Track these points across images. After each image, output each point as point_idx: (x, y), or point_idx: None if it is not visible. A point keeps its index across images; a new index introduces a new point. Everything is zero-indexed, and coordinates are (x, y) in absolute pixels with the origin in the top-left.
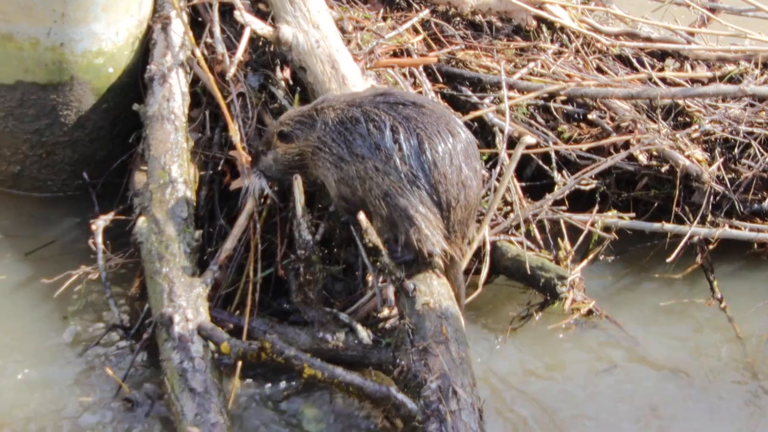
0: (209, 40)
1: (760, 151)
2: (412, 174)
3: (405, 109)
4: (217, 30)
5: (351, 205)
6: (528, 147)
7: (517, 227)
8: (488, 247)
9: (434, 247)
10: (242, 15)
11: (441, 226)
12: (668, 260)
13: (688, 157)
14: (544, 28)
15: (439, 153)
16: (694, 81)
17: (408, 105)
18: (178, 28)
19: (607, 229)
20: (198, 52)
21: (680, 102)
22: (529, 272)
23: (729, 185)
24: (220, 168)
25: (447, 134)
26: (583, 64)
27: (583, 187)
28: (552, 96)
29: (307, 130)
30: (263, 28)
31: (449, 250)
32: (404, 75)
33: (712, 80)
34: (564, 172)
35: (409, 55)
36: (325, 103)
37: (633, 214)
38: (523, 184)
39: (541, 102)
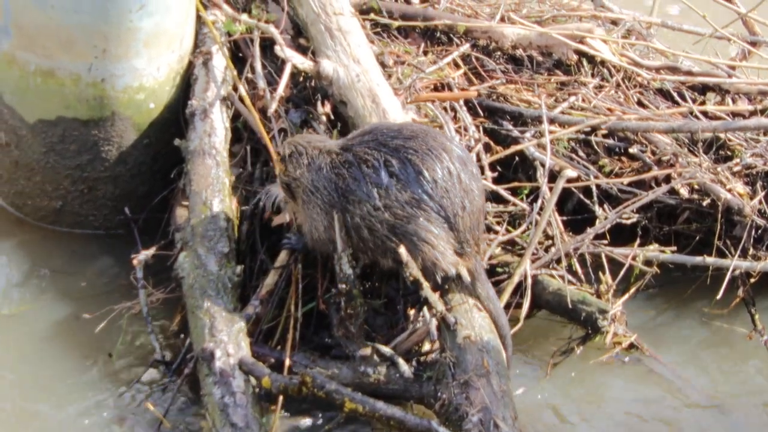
0: (250, 75)
1: None
2: (415, 199)
3: (392, 141)
4: (258, 65)
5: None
6: (569, 181)
7: (558, 261)
8: (529, 280)
9: (450, 267)
10: (283, 50)
11: (453, 241)
12: (717, 297)
13: (729, 190)
14: (584, 62)
15: (437, 171)
16: (735, 114)
17: (394, 136)
18: (220, 63)
19: (648, 262)
20: (241, 88)
21: (721, 135)
22: (570, 306)
23: None
24: (261, 203)
25: (438, 150)
26: (624, 98)
27: (624, 221)
28: (593, 130)
29: (302, 164)
30: (304, 63)
31: (466, 264)
32: (445, 109)
33: (753, 114)
34: (605, 205)
35: (449, 89)
36: (327, 146)
37: (674, 248)
38: (564, 218)
39: (582, 136)
